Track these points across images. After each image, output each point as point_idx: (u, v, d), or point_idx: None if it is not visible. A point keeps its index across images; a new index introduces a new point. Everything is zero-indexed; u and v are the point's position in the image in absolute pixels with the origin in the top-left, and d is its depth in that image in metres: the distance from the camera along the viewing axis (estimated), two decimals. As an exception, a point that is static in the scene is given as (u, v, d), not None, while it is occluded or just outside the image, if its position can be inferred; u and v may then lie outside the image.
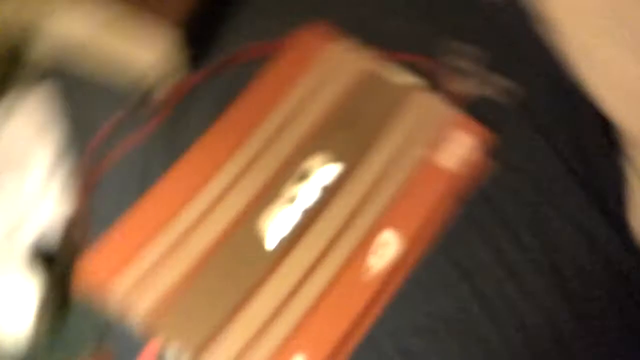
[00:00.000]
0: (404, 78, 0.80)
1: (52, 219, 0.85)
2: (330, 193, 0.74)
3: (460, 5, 0.89)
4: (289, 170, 0.75)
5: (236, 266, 0.70)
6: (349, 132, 0.77)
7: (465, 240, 0.75)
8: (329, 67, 0.81)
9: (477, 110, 0.80)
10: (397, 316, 0.71)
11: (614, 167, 0.79)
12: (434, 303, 0.72)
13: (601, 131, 0.80)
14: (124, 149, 0.83)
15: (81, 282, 0.71)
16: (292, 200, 0.74)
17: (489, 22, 0.87)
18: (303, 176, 0.75)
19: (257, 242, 0.72)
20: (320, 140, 0.77)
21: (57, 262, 0.79)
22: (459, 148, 0.77)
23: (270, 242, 0.72)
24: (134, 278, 0.69)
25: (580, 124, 0.81)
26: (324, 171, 0.75)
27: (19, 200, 0.87)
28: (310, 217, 0.73)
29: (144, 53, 0.84)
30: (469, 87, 0.82)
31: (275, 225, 0.72)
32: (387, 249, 0.71)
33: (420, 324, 0.71)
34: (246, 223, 0.73)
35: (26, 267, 0.80)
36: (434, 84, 0.82)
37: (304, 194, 0.74)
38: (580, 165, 0.78)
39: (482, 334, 0.70)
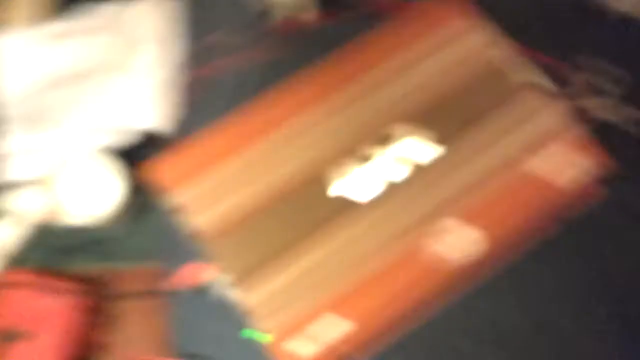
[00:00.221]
0: (527, 76, 0.75)
1: (147, 120, 0.87)
2: (413, 166, 0.71)
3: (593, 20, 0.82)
4: (376, 131, 0.73)
5: (300, 207, 0.69)
6: (449, 110, 0.74)
7: (550, 261, 0.70)
8: (451, 41, 0.78)
9: (601, 133, 0.74)
10: (458, 313, 0.68)
11: None
12: (502, 313, 0.68)
13: None
14: (228, 65, 0.82)
15: (153, 182, 0.70)
16: (368, 159, 0.71)
17: (621, 40, 0.81)
18: (388, 140, 0.72)
19: (324, 188, 0.70)
20: (417, 111, 0.74)
21: (139, 161, 0.79)
22: (568, 164, 0.72)
23: (338, 191, 0.70)
24: (201, 191, 0.69)
25: None
26: (411, 143, 0.72)
27: (120, 99, 0.90)
28: (390, 183, 0.70)
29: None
30: (599, 107, 0.76)
31: (345, 179, 0.70)
32: (465, 245, 0.67)
33: (480, 329, 0.68)
34: (320, 167, 0.71)
35: (113, 162, 0.83)
36: (563, 94, 0.76)
37: (386, 158, 0.72)
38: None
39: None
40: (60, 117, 0.89)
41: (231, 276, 0.66)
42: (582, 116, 0.75)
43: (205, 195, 0.69)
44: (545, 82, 0.75)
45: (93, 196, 0.85)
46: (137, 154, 0.85)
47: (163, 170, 0.71)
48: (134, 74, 0.90)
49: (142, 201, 0.85)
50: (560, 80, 0.77)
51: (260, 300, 0.65)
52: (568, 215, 0.72)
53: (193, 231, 0.68)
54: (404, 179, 0.71)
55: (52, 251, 0.84)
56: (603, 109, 0.76)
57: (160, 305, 0.78)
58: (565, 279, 0.70)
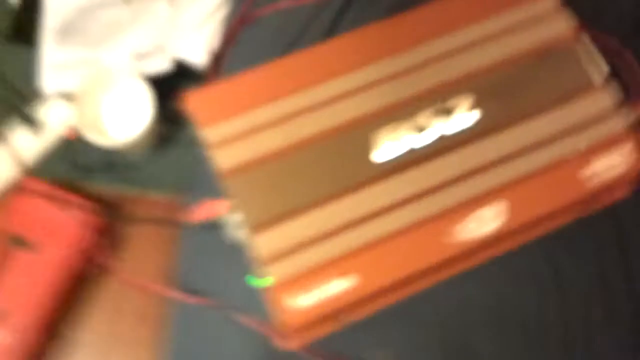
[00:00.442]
0: (600, 70, 0.71)
1: (186, 50, 0.85)
2: (460, 142, 0.67)
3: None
4: (432, 99, 0.68)
5: (334, 164, 0.66)
6: (515, 95, 0.69)
7: (571, 249, 0.68)
8: (533, 23, 0.72)
9: None
10: (455, 291, 0.66)
11: None
12: (501, 299, 0.66)
13: None
14: (280, 6, 0.78)
15: (185, 113, 0.68)
16: (419, 128, 0.67)
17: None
18: (442, 111, 0.68)
19: (366, 150, 0.66)
20: (479, 86, 0.69)
21: (172, 91, 0.77)
22: (610, 167, 0.68)
23: (380, 156, 0.66)
24: (232, 130, 0.66)
25: None
26: (465, 117, 0.68)
27: (163, 26, 0.88)
28: (430, 153, 0.67)
29: None
30: None
31: (393, 144, 0.67)
32: (484, 225, 0.64)
33: (481, 306, 0.66)
34: (364, 128, 0.67)
35: (146, 87, 0.81)
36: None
37: (435, 128, 0.68)
38: None
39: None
40: (99, 35, 0.88)
41: (243, 217, 0.63)
42: (631, 109, 0.71)
43: (236, 135, 0.66)
44: (613, 83, 0.70)
45: (121, 118, 0.85)
46: (171, 84, 0.84)
47: (197, 103, 0.68)
48: (180, 3, 0.87)
49: (169, 132, 0.84)
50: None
51: (267, 246, 0.62)
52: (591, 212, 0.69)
53: (217, 168, 0.65)
54: (440, 143, 0.67)
55: (73, 167, 0.84)
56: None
57: (170, 237, 0.77)
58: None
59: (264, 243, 0.62)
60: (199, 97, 0.68)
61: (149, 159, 0.90)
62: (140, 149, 0.88)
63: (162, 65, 0.89)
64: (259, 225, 0.63)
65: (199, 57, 0.85)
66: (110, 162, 0.85)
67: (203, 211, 0.66)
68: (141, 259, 0.79)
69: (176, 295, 0.69)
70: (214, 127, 0.66)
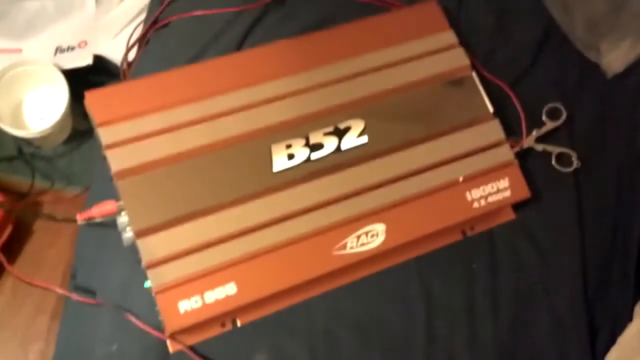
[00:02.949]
0: (485, 106, 0.71)
1: (112, 49, 0.82)
2: (350, 162, 0.66)
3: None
4: (328, 119, 0.67)
5: (226, 174, 0.63)
6: (401, 118, 0.69)
7: (445, 271, 0.67)
8: (427, 52, 0.72)
9: (530, 163, 0.71)
10: (329, 304, 0.64)
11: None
12: (378, 308, 0.65)
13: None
14: (196, 14, 0.75)
15: (89, 111, 0.64)
16: (313, 146, 0.66)
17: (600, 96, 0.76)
18: (335, 131, 0.66)
19: (258, 164, 0.64)
20: (372, 111, 0.68)
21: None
22: (493, 193, 0.68)
23: (271, 171, 0.64)
24: (130, 132, 0.63)
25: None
26: (356, 139, 0.67)
27: (91, 23, 0.84)
28: (319, 171, 0.65)
29: None
30: (539, 147, 0.72)
31: (285, 160, 0.65)
32: (370, 241, 0.63)
33: (353, 320, 0.64)
34: (259, 142, 0.65)
35: (63, 81, 0.77)
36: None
37: (327, 147, 0.66)
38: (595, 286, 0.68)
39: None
40: (24, 26, 0.83)
41: (129, 220, 0.59)
42: (518, 147, 0.71)
43: (133, 137, 0.63)
44: (497, 119, 0.71)
45: (38, 110, 0.80)
46: (91, 81, 0.80)
47: (97, 102, 0.64)
48: (105, 1, 0.83)
49: (83, 127, 0.79)
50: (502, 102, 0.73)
51: (151, 250, 0.59)
52: (472, 232, 0.69)
53: (110, 168, 0.61)
54: (334, 161, 0.65)
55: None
56: (531, 139, 0.72)
57: (71, 234, 0.72)
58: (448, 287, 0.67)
59: (149, 246, 0.59)
60: (100, 96, 0.65)
61: (60, 152, 0.85)
62: (53, 141, 0.83)
63: (83, 60, 0.85)
64: (145, 229, 0.60)
65: (118, 56, 0.81)
66: (20, 152, 0.80)
67: (95, 210, 0.61)
68: (39, 254, 0.74)
69: (62, 291, 0.64)
70: (110, 127, 0.63)
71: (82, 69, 0.85)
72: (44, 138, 0.77)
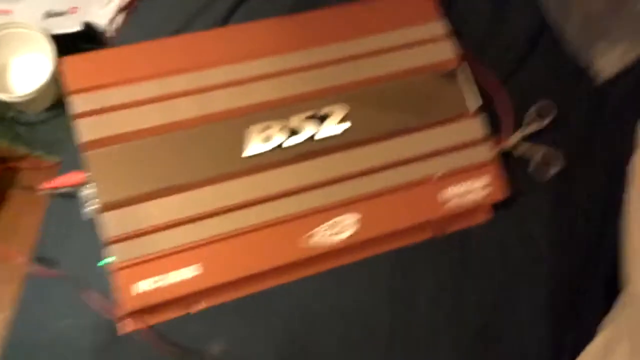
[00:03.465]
0: (474, 101, 0.68)
1: (101, 16, 0.79)
2: (327, 149, 0.63)
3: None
4: (309, 103, 0.64)
5: (199, 153, 0.61)
6: (385, 108, 0.66)
7: (415, 268, 0.64)
8: (418, 40, 0.68)
9: (512, 163, 0.68)
10: (296, 292, 0.62)
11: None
12: (342, 302, 0.62)
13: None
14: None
15: (64, 77, 0.61)
16: (291, 130, 0.63)
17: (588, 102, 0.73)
18: (316, 117, 0.64)
19: (235, 144, 0.61)
20: (355, 98, 0.65)
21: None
22: (468, 193, 0.65)
23: (247, 152, 0.62)
24: (103, 101, 0.60)
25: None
26: (336, 126, 0.64)
27: None
28: (296, 157, 0.62)
29: None
30: (523, 146, 0.69)
31: (263, 142, 0.62)
32: (340, 232, 0.60)
33: (316, 312, 0.62)
34: (238, 121, 0.62)
35: (49, 46, 0.74)
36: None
37: (306, 133, 0.63)
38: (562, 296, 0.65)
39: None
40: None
41: (95, 192, 0.57)
42: (502, 147, 0.69)
43: (106, 107, 0.60)
44: (484, 115, 0.68)
45: (24, 74, 0.77)
46: (80, 48, 0.77)
47: (72, 68, 0.62)
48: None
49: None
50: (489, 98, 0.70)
51: (115, 225, 0.57)
52: (449, 230, 0.67)
53: (79, 138, 0.58)
54: (309, 148, 0.63)
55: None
56: (527, 148, 0.69)
57: (39, 203, 0.70)
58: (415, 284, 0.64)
59: (112, 222, 0.57)
60: (75, 62, 0.62)
61: (43, 119, 0.83)
62: (37, 107, 0.81)
63: (72, 26, 0.82)
64: (110, 203, 0.58)
65: (102, 21, 0.78)
66: (4, 117, 0.77)
67: (59, 180, 0.59)
68: (15, 220, 0.72)
69: (23, 262, 0.62)
70: (82, 96, 0.60)
71: (74, 37, 0.83)
72: (27, 103, 0.74)
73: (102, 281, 0.60)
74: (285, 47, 0.65)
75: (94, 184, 0.58)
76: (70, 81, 0.60)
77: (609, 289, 0.65)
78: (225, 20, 0.71)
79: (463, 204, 0.64)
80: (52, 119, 0.82)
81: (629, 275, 0.59)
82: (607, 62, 0.70)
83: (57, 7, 0.83)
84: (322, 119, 0.63)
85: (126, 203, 0.57)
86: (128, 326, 0.59)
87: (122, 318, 0.59)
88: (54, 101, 0.80)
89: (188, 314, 0.60)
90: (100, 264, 0.57)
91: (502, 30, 0.74)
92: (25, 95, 0.73)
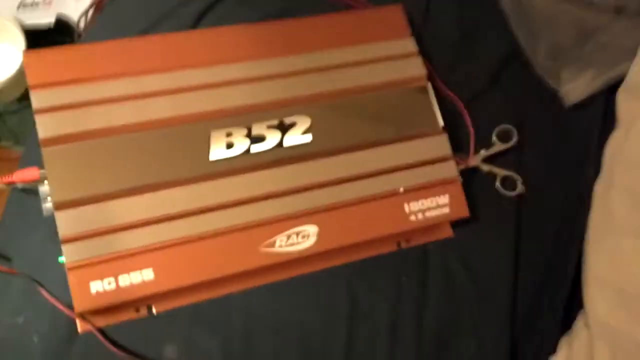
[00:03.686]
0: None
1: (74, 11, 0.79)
2: (289, 159, 0.62)
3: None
4: (274, 112, 0.63)
5: (159, 155, 0.59)
6: (349, 121, 0.65)
7: (375, 282, 0.64)
8: (386, 56, 0.68)
9: (475, 182, 0.68)
10: (247, 300, 0.61)
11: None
12: (300, 312, 0.61)
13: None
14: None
15: (26, 71, 0.59)
16: (255, 137, 0.62)
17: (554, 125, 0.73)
18: (280, 126, 0.63)
19: (196, 149, 0.60)
20: (320, 109, 0.65)
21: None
22: (432, 208, 0.65)
23: (208, 157, 0.61)
24: (64, 98, 0.58)
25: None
26: (299, 136, 0.63)
27: None
28: (257, 165, 0.61)
29: None
30: (486, 167, 0.69)
31: (225, 147, 0.61)
32: (300, 242, 0.60)
33: (273, 321, 0.61)
34: (201, 126, 0.61)
35: (21, 37, 0.76)
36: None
37: (269, 141, 0.63)
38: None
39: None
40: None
41: (50, 190, 0.56)
42: (465, 164, 0.69)
43: (66, 104, 0.58)
44: (438, 116, 0.68)
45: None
46: (52, 41, 0.75)
47: (34, 63, 0.60)
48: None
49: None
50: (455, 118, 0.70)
51: (68, 225, 0.56)
52: (407, 245, 0.66)
53: (42, 134, 0.57)
54: (274, 156, 0.62)
55: None
56: (491, 166, 0.69)
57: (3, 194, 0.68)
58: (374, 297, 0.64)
59: (66, 221, 0.56)
60: (39, 57, 0.60)
61: (12, 110, 0.81)
62: (5, 97, 0.80)
63: (45, 17, 0.82)
64: (66, 202, 0.56)
65: (72, 15, 0.78)
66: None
67: (16, 175, 0.58)
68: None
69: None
70: (44, 91, 0.59)
71: (47, 30, 0.81)
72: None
73: (55, 280, 0.58)
74: (255, 54, 0.65)
75: (49, 181, 0.56)
76: (32, 75, 0.59)
77: (568, 310, 0.65)
78: (195, 22, 0.70)
79: (425, 220, 0.64)
80: (22, 110, 0.81)
81: (589, 298, 0.59)
82: (575, 88, 0.70)
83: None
84: (287, 128, 0.63)
85: (82, 202, 0.56)
86: (81, 326, 0.58)
87: (75, 318, 0.57)
88: (24, 94, 0.79)
89: (143, 316, 0.59)
90: (60, 261, 0.56)
91: (472, 52, 0.74)
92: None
